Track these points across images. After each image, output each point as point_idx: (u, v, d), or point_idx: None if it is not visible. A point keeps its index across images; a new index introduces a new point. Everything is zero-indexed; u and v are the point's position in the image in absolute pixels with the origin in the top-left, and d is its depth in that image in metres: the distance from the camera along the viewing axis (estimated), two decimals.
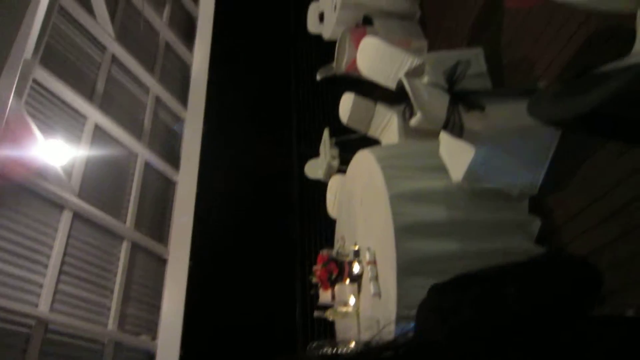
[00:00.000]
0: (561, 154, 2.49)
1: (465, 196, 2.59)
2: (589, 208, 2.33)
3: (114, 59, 4.35)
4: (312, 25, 5.33)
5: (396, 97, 3.21)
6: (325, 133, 4.44)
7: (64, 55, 3.77)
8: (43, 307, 3.05)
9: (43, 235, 3.23)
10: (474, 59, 3.18)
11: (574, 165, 2.45)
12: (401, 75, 2.91)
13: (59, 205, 3.39)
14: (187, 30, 5.83)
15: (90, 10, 4.03)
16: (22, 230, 3.09)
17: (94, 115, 3.87)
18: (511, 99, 2.51)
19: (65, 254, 3.33)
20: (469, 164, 2.43)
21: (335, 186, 3.99)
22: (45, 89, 3.51)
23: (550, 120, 1.49)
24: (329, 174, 4.30)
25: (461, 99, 2.40)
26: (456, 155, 2.57)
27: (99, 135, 3.94)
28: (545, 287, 0.62)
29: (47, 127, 3.44)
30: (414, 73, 3.09)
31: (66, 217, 3.40)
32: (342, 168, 4.07)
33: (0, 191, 2.97)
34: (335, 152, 4.33)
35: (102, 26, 4.13)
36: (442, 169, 2.67)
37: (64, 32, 3.80)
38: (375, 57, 3.14)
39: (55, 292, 3.18)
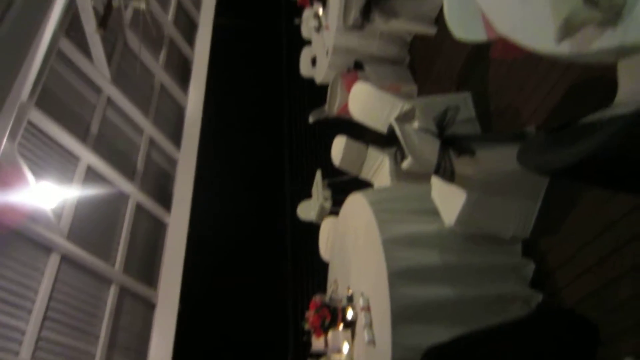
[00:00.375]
0: (551, 197, 2.52)
1: (458, 240, 2.60)
2: (582, 251, 2.34)
3: (110, 101, 4.40)
4: (305, 69, 5.47)
5: (387, 140, 3.26)
6: (318, 175, 4.48)
7: (60, 97, 3.80)
8: (24, 355, 2.94)
9: (28, 278, 3.16)
10: (463, 104, 3.27)
11: (564, 208, 2.47)
12: (392, 119, 2.97)
13: (46, 248, 3.33)
14: (182, 72, 5.94)
15: (88, 53, 4.11)
16: (6, 273, 3.01)
17: (87, 157, 3.87)
18: (501, 143, 2.56)
19: (50, 299, 3.25)
20: (460, 208, 2.45)
21: (327, 229, 3.98)
22: (39, 130, 3.52)
23: (539, 170, 1.52)
24: (322, 215, 4.30)
25: (452, 144, 2.44)
26: (448, 199, 2.59)
27: (91, 176, 3.93)
28: (540, 351, 0.62)
29: (39, 168, 3.43)
30: (405, 118, 3.16)
31: (53, 260, 3.34)
32: (335, 210, 4.08)
33: None
34: (328, 193, 4.35)
35: (99, 69, 4.20)
36: (434, 213, 2.68)
37: (60, 75, 3.85)
38: (367, 102, 3.21)
39: (39, 339, 3.08)
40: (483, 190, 2.48)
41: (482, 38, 1.93)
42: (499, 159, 2.45)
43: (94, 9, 3.85)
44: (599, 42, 1.29)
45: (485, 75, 3.36)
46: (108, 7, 3.82)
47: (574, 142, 1.27)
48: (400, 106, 3.15)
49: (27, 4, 2.11)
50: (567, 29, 1.29)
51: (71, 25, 3.79)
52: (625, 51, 1.28)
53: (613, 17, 1.24)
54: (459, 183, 2.42)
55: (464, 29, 1.99)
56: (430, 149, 2.43)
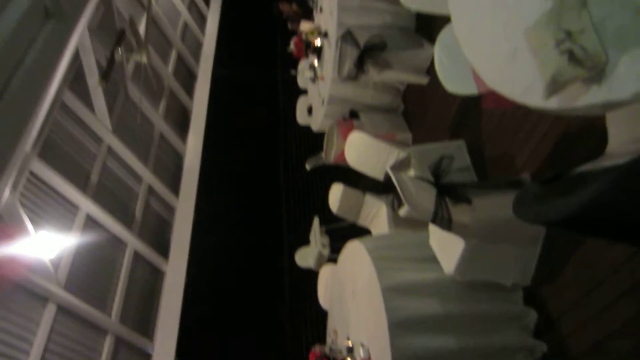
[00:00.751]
0: (550, 244, 2.54)
1: (458, 288, 2.59)
2: (584, 299, 2.34)
3: (110, 151, 4.46)
4: (301, 117, 5.60)
5: (384, 188, 3.31)
6: (315, 221, 4.49)
7: (61, 147, 3.86)
8: None
9: (23, 330, 3.10)
10: (457, 152, 3.34)
11: (564, 255, 2.49)
12: (388, 168, 3.03)
13: (43, 298, 3.29)
14: (181, 122, 6.06)
15: (90, 104, 4.20)
16: (1, 324, 2.96)
17: (86, 206, 3.89)
18: (497, 191, 2.61)
19: (45, 350, 3.17)
20: (459, 256, 2.46)
21: (326, 277, 3.95)
22: (40, 180, 3.55)
23: (535, 222, 1.55)
24: (320, 262, 4.28)
25: (448, 192, 2.48)
26: (446, 247, 2.61)
27: (90, 225, 3.94)
28: None
29: (38, 217, 3.44)
30: (400, 165, 3.22)
31: (50, 311, 3.29)
32: (333, 257, 4.07)
33: None
34: (326, 240, 4.34)
35: (100, 120, 4.28)
36: (433, 260, 2.69)
37: (62, 125, 3.92)
38: (363, 151, 3.28)
39: None
40: (481, 238, 2.50)
41: (473, 91, 2.01)
42: (496, 206, 2.49)
43: (97, 62, 3.99)
44: (586, 98, 1.36)
45: (478, 124, 3.45)
46: (110, 60, 3.95)
47: (568, 194, 1.31)
48: (395, 154, 3.22)
49: (37, 62, 2.19)
50: (554, 86, 1.36)
51: (75, 78, 3.91)
52: (611, 106, 1.35)
53: (597, 74, 1.31)
54: (457, 231, 2.44)
55: (455, 83, 2.09)
56: (426, 197, 2.47)
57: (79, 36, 2.86)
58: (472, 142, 3.43)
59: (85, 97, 4.14)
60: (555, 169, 1.76)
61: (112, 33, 4.18)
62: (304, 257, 4.55)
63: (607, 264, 2.23)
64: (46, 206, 3.56)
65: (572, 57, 1.27)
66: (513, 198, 1.70)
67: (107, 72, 3.88)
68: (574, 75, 1.30)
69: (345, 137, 3.77)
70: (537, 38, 1.38)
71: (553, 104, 1.43)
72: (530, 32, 1.43)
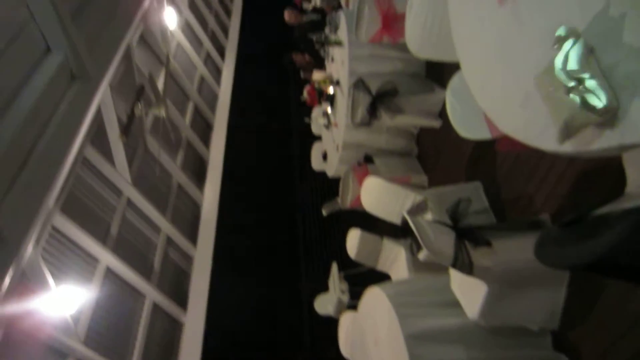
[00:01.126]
0: (576, 286, 2.47)
1: (483, 333, 2.52)
2: (616, 345, 2.25)
3: (129, 203, 4.54)
4: (316, 163, 5.66)
5: (402, 233, 3.29)
6: (334, 267, 4.45)
7: (82, 200, 3.95)
8: None
9: None
10: (474, 194, 3.33)
11: (592, 298, 2.42)
12: (404, 212, 3.02)
13: (62, 354, 3.27)
14: (198, 171, 6.17)
15: (110, 158, 4.32)
16: None
17: (106, 259, 3.93)
18: (517, 233, 2.57)
19: None
20: (483, 300, 2.40)
21: (347, 324, 3.87)
22: (61, 233, 3.61)
23: (557, 266, 1.53)
24: (339, 309, 4.21)
25: (467, 235, 2.46)
26: (469, 291, 2.56)
27: (109, 277, 3.96)
28: None
29: (59, 271, 3.47)
30: (417, 209, 3.21)
31: None
32: (353, 303, 4.00)
33: (3, 341, 2.90)
34: (345, 286, 4.28)
35: (120, 173, 4.39)
36: (456, 305, 2.63)
37: (83, 179, 4.03)
38: (379, 196, 3.29)
39: None
40: (504, 281, 2.45)
41: (487, 136, 2.03)
42: (517, 248, 2.45)
43: (118, 117, 4.13)
44: (600, 142, 1.36)
45: (494, 165, 3.45)
46: (131, 115, 4.09)
47: (590, 238, 1.30)
48: (412, 198, 3.22)
49: (62, 122, 2.29)
50: (568, 131, 1.37)
51: (96, 133, 4.05)
52: (626, 148, 1.35)
53: (610, 119, 1.32)
54: (479, 275, 2.40)
55: (468, 128, 2.11)
56: (445, 241, 2.45)
57: (101, 95, 2.99)
58: (489, 183, 3.42)
59: (105, 151, 4.27)
60: (575, 210, 1.74)
61: (132, 89, 4.36)
62: (323, 304, 4.47)
63: (636, 308, 2.16)
64: (67, 260, 3.61)
65: (583, 103, 1.28)
66: (534, 240, 1.68)
67: (127, 127, 4.01)
68: (587, 120, 1.31)
69: (360, 182, 3.80)
70: (547, 84, 1.41)
71: (567, 148, 1.44)
72: (540, 79, 1.46)
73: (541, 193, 2.91)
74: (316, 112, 5.63)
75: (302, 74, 5.89)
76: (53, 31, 2.26)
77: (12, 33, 2.06)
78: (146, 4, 4.29)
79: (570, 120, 1.36)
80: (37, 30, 2.26)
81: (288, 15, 5.78)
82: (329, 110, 4.95)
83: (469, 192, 3.36)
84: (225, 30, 8.64)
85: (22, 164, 2.03)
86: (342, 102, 4.53)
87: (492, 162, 3.48)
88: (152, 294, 4.36)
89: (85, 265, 3.77)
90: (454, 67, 2.24)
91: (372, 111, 4.12)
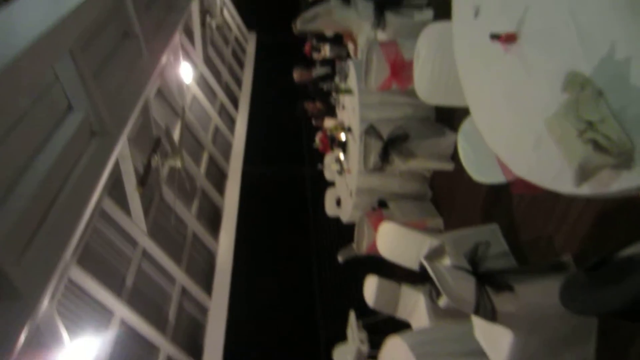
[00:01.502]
0: (607, 331, 2.37)
1: None
2: None
3: (145, 253, 4.55)
4: (330, 209, 5.66)
5: (420, 279, 3.23)
6: (351, 316, 4.35)
7: (98, 252, 3.96)
8: None
9: None
10: (492, 236, 3.28)
11: (624, 345, 2.31)
12: (422, 257, 2.97)
13: None
14: (213, 220, 6.20)
15: (126, 209, 4.37)
16: None
17: (121, 311, 3.90)
18: (539, 276, 2.50)
19: None
20: (509, 349, 2.31)
21: None
22: (76, 285, 3.61)
23: (585, 313, 1.47)
24: None
25: (488, 280, 2.40)
26: (494, 339, 2.47)
27: (124, 330, 3.91)
28: None
29: (73, 324, 3.45)
30: (434, 254, 3.16)
31: None
32: (373, 353, 3.88)
33: None
34: (364, 336, 4.17)
35: (136, 223, 4.43)
36: (480, 354, 2.54)
37: (100, 230, 4.06)
38: (394, 242, 3.26)
39: None
40: (530, 327, 2.36)
41: (501, 180, 2.03)
42: (541, 293, 2.38)
43: (135, 169, 4.21)
44: (618, 183, 1.35)
45: (510, 205, 3.41)
46: (147, 167, 4.17)
47: (616, 282, 1.26)
48: (428, 243, 3.18)
49: (82, 176, 2.35)
50: (584, 174, 1.37)
51: (113, 184, 4.12)
52: None
53: (626, 160, 1.31)
54: (503, 321, 2.33)
55: (482, 172, 2.11)
56: (465, 287, 2.39)
57: (119, 148, 3.07)
58: (506, 225, 3.37)
59: (122, 201, 4.32)
60: (598, 251, 1.70)
61: (149, 140, 4.46)
62: (342, 355, 4.34)
63: None
64: (81, 312, 3.58)
65: (596, 145, 1.28)
66: (557, 283, 1.63)
67: (144, 178, 4.08)
68: (602, 163, 1.30)
69: (375, 228, 3.77)
70: (558, 128, 1.41)
71: (585, 190, 1.42)
72: (551, 123, 1.46)
73: (561, 233, 2.85)
74: (329, 159, 5.69)
75: (314, 122, 6.01)
76: (76, 92, 2.37)
77: (38, 93, 2.15)
78: (164, 60, 4.47)
79: (585, 163, 1.35)
80: (61, 91, 2.36)
81: (298, 75, 5.91)
82: (341, 156, 4.99)
83: (487, 234, 3.31)
84: (238, 81, 8.91)
85: (42, 218, 2.07)
86: (354, 148, 4.58)
87: (508, 203, 3.44)
88: (166, 348, 4.28)
89: (99, 318, 3.73)
90: (463, 110, 2.27)
91: (385, 156, 4.15)
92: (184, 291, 4.96)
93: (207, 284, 5.38)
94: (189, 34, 6.61)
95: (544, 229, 3.01)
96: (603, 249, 2.09)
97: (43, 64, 2.09)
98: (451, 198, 4.48)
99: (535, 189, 1.71)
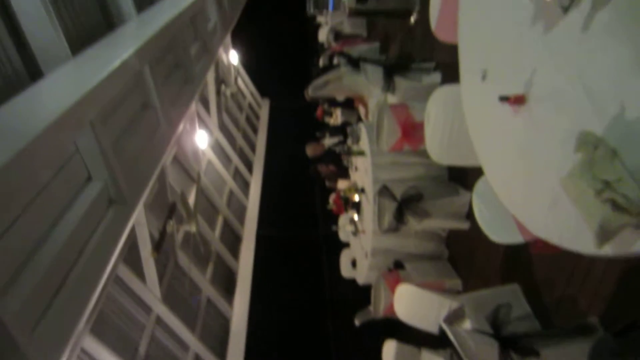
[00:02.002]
0: None
1: None
2: None
3: (158, 320, 4.47)
4: (345, 270, 5.57)
5: (441, 342, 3.10)
6: None
7: (111, 319, 3.91)
8: None
9: None
10: (514, 298, 3.17)
11: None
12: (441, 321, 2.87)
13: None
14: (227, 284, 6.13)
15: (141, 274, 4.35)
16: None
17: None
18: (566, 339, 2.40)
19: None
20: None
21: None
22: (88, 354, 3.53)
23: None
24: None
25: (512, 345, 2.31)
26: None
27: None
28: None
29: None
30: (454, 317, 3.05)
31: None
32: None
33: None
34: None
35: (150, 289, 4.39)
36: None
37: (114, 297, 4.03)
38: (412, 305, 3.17)
39: None
40: None
41: (518, 240, 1.99)
42: (568, 357, 2.27)
43: (150, 234, 4.24)
44: None
45: (530, 266, 3.33)
46: (162, 232, 4.20)
47: None
48: (447, 305, 3.09)
49: (99, 244, 2.36)
50: (605, 235, 1.34)
51: (128, 250, 4.13)
52: None
53: None
54: None
55: (498, 232, 2.08)
56: (488, 352, 2.29)
57: (136, 215, 3.11)
58: (527, 285, 3.27)
59: (137, 267, 4.31)
60: (625, 312, 1.63)
61: (164, 206, 4.52)
62: None
63: None
64: None
65: (615, 205, 1.27)
66: (585, 346, 1.56)
67: (159, 244, 4.10)
68: (622, 222, 1.28)
69: (392, 290, 3.69)
70: (574, 188, 1.41)
71: (608, 251, 1.39)
72: (567, 183, 1.46)
73: (584, 294, 2.75)
74: (343, 220, 5.67)
75: (327, 184, 6.06)
76: (95, 162, 2.44)
77: (58, 165, 2.22)
78: (180, 128, 4.62)
79: (605, 223, 1.33)
80: (81, 162, 2.44)
81: (311, 151, 5.95)
82: (355, 217, 4.99)
83: (508, 296, 3.21)
84: (252, 146, 9.13)
85: (58, 288, 2.07)
86: (368, 209, 4.57)
87: (528, 262, 3.36)
88: None
89: None
90: (476, 169, 2.28)
91: (399, 216, 4.13)
92: (197, 358, 4.81)
93: (221, 351, 5.23)
94: (204, 102, 6.88)
95: (567, 289, 2.92)
96: (630, 310, 2.01)
97: (66, 138, 2.18)
98: (469, 258, 4.40)
99: (554, 249, 1.68)
